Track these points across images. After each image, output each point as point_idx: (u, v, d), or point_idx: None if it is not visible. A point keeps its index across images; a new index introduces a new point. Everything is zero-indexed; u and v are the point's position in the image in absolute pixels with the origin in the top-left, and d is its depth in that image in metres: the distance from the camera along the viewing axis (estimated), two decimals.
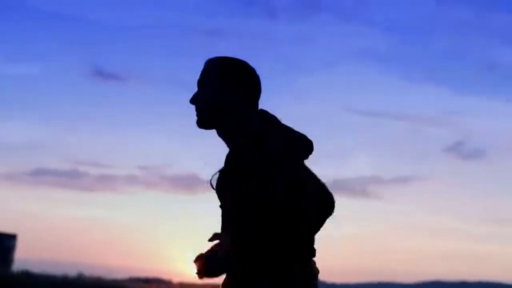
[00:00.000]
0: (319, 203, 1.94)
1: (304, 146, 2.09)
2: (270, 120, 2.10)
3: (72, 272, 20.64)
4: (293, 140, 2.06)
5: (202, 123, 2.18)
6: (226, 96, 2.14)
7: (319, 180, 1.99)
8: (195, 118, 2.19)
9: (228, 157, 2.14)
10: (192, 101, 2.19)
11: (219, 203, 2.16)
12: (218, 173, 2.17)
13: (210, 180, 2.18)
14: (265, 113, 2.14)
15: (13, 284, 17.47)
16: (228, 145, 2.16)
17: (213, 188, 2.17)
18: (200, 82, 2.20)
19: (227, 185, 2.10)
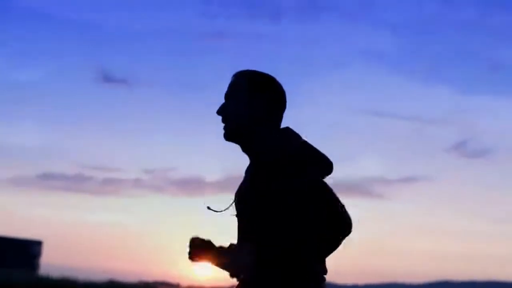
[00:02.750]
0: (344, 225, 1.97)
1: (325, 166, 2.05)
2: (297, 139, 2.06)
3: (81, 276, 20.45)
4: (318, 160, 2.03)
5: (230, 137, 2.12)
6: (254, 111, 2.09)
7: (339, 200, 1.99)
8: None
9: (254, 172, 2.07)
10: (219, 112, 2.13)
11: (235, 213, 2.11)
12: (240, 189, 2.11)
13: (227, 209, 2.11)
14: (290, 131, 2.10)
15: None
16: (253, 160, 2.11)
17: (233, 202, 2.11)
18: (227, 95, 2.15)
19: (254, 199, 2.03)
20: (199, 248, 2.05)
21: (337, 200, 1.98)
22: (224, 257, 2.04)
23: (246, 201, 2.06)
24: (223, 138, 2.12)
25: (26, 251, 31.30)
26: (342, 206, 1.98)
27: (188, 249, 2.07)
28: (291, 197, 1.96)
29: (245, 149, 2.12)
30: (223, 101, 2.15)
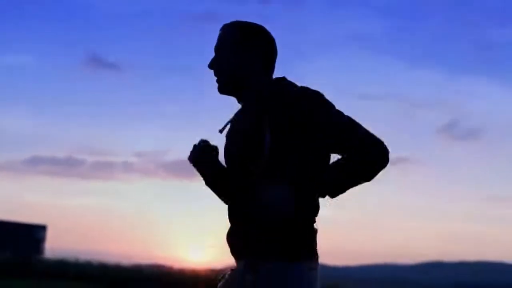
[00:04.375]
0: (381, 151, 1.92)
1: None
2: (294, 84, 1.99)
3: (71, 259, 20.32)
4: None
5: (223, 90, 2.06)
6: (245, 61, 2.02)
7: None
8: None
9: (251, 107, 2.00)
10: (210, 66, 2.07)
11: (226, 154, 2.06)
12: (229, 123, 2.06)
13: (223, 129, 2.06)
14: (286, 80, 2.02)
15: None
16: (250, 107, 2.02)
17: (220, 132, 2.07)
18: (217, 48, 2.08)
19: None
20: (206, 150, 2.04)
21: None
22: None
23: (240, 136, 1.99)
24: (218, 92, 2.06)
25: (30, 235, 31.36)
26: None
27: (193, 149, 2.06)
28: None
29: (240, 99, 2.05)
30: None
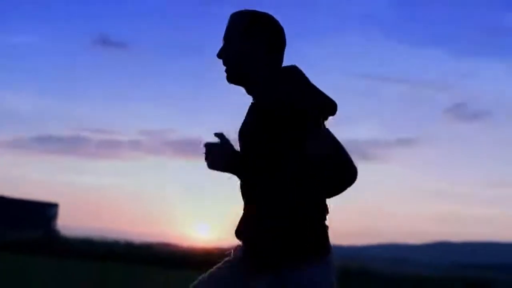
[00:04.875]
0: (348, 172, 1.94)
1: (329, 107, 1.97)
2: (300, 77, 1.98)
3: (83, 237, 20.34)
4: (320, 100, 1.96)
5: (232, 79, 2.06)
6: (254, 51, 2.02)
7: (344, 148, 1.95)
8: (224, 74, 2.07)
9: (256, 115, 2.00)
10: (219, 55, 2.06)
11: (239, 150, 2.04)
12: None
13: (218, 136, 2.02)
14: (295, 69, 2.01)
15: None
16: (257, 102, 2.03)
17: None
18: (226, 37, 2.07)
19: (259, 133, 1.95)
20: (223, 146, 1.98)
21: (342, 147, 1.95)
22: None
23: (248, 136, 2.00)
24: (227, 81, 2.06)
25: (42, 213, 31.48)
26: (348, 154, 1.95)
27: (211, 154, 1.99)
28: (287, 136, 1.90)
29: (248, 91, 2.05)
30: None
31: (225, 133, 2.02)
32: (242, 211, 2.02)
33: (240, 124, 2.08)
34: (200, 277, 2.03)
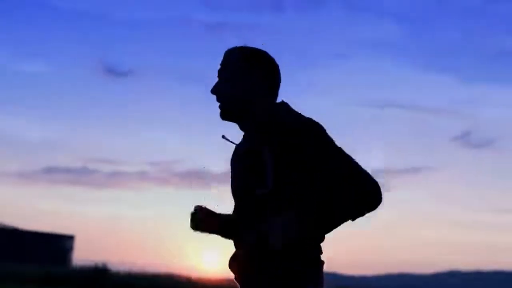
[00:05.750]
0: (374, 196, 1.85)
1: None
2: (292, 112, 1.96)
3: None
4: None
5: (226, 116, 2.00)
6: (249, 88, 1.97)
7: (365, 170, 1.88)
8: (217, 110, 2.02)
9: (251, 136, 1.97)
10: (213, 91, 2.00)
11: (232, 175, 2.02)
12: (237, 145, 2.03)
13: (226, 139, 2.02)
14: (286, 105, 1.98)
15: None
16: (251, 138, 1.99)
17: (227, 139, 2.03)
18: (220, 73, 2.02)
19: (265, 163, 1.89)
20: (207, 216, 2.00)
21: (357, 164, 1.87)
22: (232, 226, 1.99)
23: (244, 160, 1.95)
24: (220, 118, 2.01)
25: (58, 246, 31.34)
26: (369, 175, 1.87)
27: (192, 218, 2.01)
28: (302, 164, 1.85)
29: (243, 127, 2.00)
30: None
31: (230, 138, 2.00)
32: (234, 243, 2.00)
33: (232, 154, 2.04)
34: None
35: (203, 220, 2.01)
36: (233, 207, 2.04)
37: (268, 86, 1.99)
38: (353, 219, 1.88)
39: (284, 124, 1.88)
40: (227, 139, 2.03)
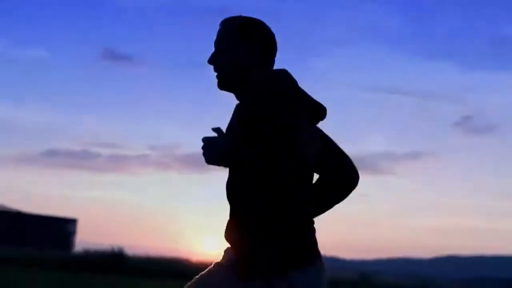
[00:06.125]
0: (351, 176, 1.93)
1: (319, 111, 1.97)
2: (290, 81, 1.95)
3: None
4: (309, 104, 1.94)
5: (223, 85, 1.99)
6: (245, 57, 1.96)
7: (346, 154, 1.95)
8: (215, 80, 2.01)
9: (243, 107, 1.94)
10: (210, 61, 2.00)
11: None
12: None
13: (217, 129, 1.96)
14: (285, 72, 1.97)
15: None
16: (244, 102, 1.97)
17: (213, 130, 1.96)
18: (217, 43, 2.01)
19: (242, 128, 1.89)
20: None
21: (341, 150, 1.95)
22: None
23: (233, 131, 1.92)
24: (217, 87, 2.00)
25: (60, 229, 31.41)
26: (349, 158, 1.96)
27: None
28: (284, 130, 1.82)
29: (238, 98, 1.99)
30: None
31: (222, 128, 1.95)
32: (229, 214, 1.96)
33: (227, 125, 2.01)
34: (191, 281, 1.98)
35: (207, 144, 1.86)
36: None
37: (264, 55, 1.98)
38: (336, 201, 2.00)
39: (280, 93, 1.88)
40: (218, 131, 1.95)
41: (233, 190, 1.93)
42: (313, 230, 1.93)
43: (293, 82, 1.96)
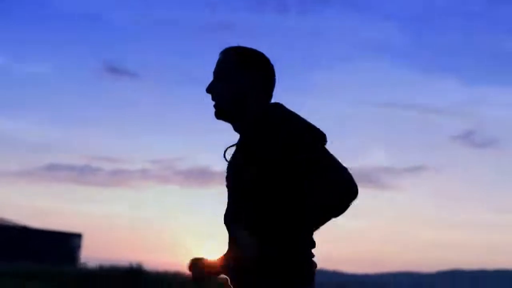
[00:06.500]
0: (346, 189, 1.83)
1: (320, 137, 1.93)
2: (289, 111, 1.94)
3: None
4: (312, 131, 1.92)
5: (220, 115, 2.00)
6: (244, 88, 1.96)
7: (343, 166, 1.87)
8: (212, 109, 2.01)
9: (243, 143, 1.96)
10: (208, 90, 2.00)
11: (228, 184, 2.00)
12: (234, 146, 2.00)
13: (224, 153, 2.01)
14: (280, 105, 1.96)
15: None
16: (247, 138, 1.97)
17: (226, 160, 2.02)
18: (216, 72, 2.01)
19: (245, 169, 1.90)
20: (202, 268, 1.97)
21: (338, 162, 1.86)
22: (224, 260, 1.96)
23: (237, 171, 1.93)
24: (214, 117, 2.01)
25: (65, 244, 31.34)
26: (348, 171, 1.86)
27: (191, 272, 1.98)
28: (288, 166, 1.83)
29: (237, 128, 2.00)
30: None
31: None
32: (228, 243, 1.97)
33: (227, 165, 2.01)
34: None
35: (198, 271, 1.97)
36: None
37: (263, 87, 1.98)
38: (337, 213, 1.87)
39: (277, 125, 1.86)
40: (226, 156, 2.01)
41: (235, 219, 1.93)
42: (312, 256, 1.92)
43: (291, 111, 1.93)
